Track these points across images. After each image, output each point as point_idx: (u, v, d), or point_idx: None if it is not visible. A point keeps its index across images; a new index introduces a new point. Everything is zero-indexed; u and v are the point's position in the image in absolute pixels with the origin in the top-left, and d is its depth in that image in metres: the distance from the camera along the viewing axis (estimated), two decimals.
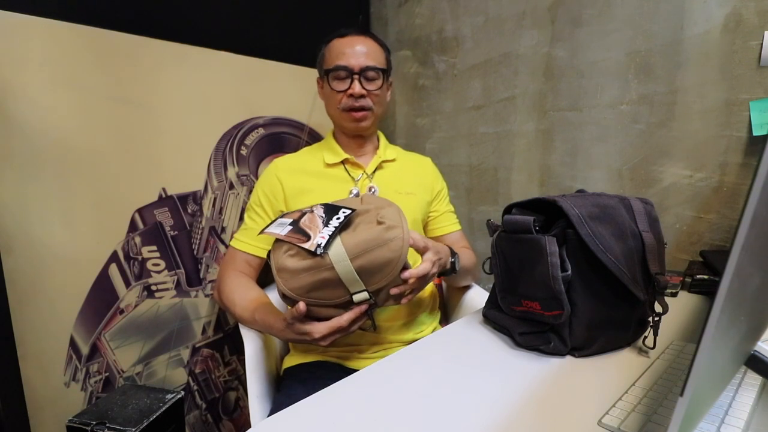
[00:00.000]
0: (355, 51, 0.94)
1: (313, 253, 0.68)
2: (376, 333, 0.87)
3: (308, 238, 0.70)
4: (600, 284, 0.60)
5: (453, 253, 0.90)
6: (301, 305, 0.71)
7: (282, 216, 0.80)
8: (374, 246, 0.70)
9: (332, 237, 0.69)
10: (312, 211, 0.76)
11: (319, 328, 0.73)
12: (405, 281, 0.74)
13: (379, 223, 0.72)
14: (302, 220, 0.75)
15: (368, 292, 0.72)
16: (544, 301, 0.61)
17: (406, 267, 0.74)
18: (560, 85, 1.15)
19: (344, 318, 0.73)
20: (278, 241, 0.75)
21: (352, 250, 0.69)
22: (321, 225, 0.72)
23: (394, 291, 0.74)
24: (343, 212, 0.73)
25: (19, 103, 0.81)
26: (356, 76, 0.93)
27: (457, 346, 0.68)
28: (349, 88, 0.93)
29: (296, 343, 0.87)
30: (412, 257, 0.79)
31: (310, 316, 0.75)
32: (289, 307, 0.77)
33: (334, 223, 0.71)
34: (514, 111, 1.24)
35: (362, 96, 0.94)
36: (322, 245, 0.68)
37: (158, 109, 0.98)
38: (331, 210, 0.75)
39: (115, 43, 0.90)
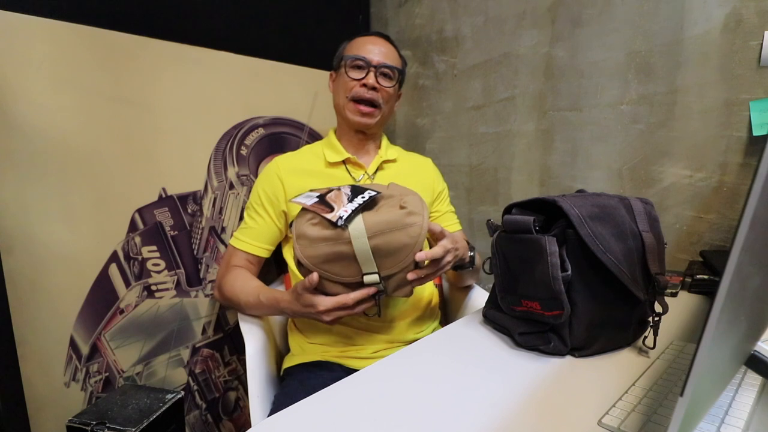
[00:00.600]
0: (376, 48, 0.98)
1: (334, 224, 0.71)
2: (381, 320, 0.88)
3: (332, 210, 0.73)
4: (600, 284, 0.60)
5: (471, 247, 0.91)
6: (315, 275, 0.73)
7: (310, 190, 0.82)
8: (393, 228, 0.72)
9: (355, 212, 0.72)
10: (339, 189, 0.78)
11: (325, 302, 0.75)
12: (418, 267, 0.76)
13: (402, 207, 0.74)
14: (329, 194, 0.77)
15: (379, 276, 0.73)
16: (544, 301, 0.61)
17: (418, 262, 0.75)
18: (560, 85, 1.14)
19: (351, 296, 0.74)
20: (303, 210, 0.77)
21: (372, 228, 0.71)
22: (346, 201, 0.74)
23: (411, 276, 0.75)
24: (369, 193, 0.76)
25: (19, 103, 0.81)
26: (373, 69, 0.95)
27: (457, 346, 0.68)
28: (364, 78, 0.95)
29: (301, 316, 0.86)
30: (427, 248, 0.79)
31: (319, 290, 0.76)
32: (298, 280, 0.78)
33: (359, 200, 0.74)
34: (514, 111, 1.24)
35: (374, 89, 0.96)
36: (344, 218, 0.70)
37: (158, 109, 0.98)
38: (357, 190, 0.78)
39: (115, 43, 0.90)
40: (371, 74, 0.95)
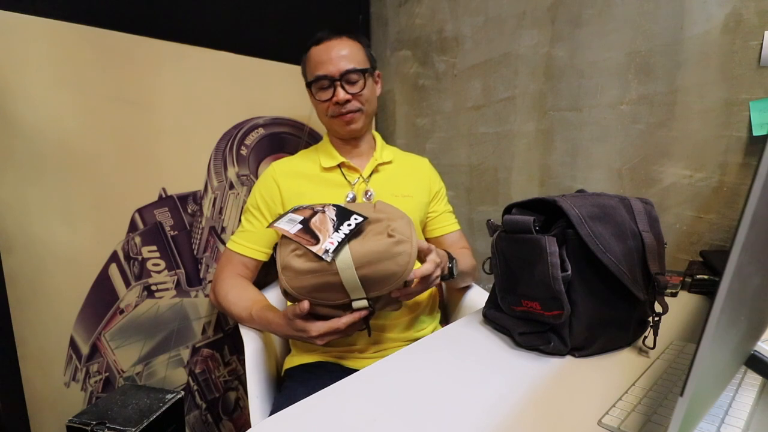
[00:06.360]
0: (332, 57, 0.92)
1: (320, 258, 0.68)
2: (369, 337, 0.88)
3: (317, 240, 0.70)
4: (600, 284, 0.60)
5: (451, 258, 0.90)
6: (305, 303, 0.72)
7: (293, 211, 0.78)
8: (382, 258, 0.70)
9: (341, 244, 0.69)
10: (324, 212, 0.75)
11: (317, 327, 0.74)
12: (406, 286, 0.75)
13: (390, 236, 0.72)
14: (313, 220, 0.74)
15: (367, 300, 0.73)
16: (544, 301, 0.61)
17: (407, 281, 0.75)
18: (560, 85, 1.14)
19: (342, 321, 0.74)
20: (285, 237, 0.74)
21: (359, 259, 0.69)
22: (331, 229, 0.71)
23: (395, 294, 0.74)
24: (355, 219, 0.73)
25: (19, 103, 0.81)
26: (338, 83, 0.92)
27: (457, 346, 0.68)
28: (333, 96, 0.92)
29: (293, 339, 0.87)
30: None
31: (309, 313, 0.75)
32: (288, 304, 0.78)
33: (345, 229, 0.71)
34: (514, 111, 1.24)
35: (347, 101, 0.93)
36: (331, 251, 0.68)
37: (158, 109, 0.98)
38: (343, 214, 0.74)
39: (115, 43, 0.90)
40: (338, 89, 0.91)
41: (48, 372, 0.88)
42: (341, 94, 0.92)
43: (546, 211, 0.65)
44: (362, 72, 0.94)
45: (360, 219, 0.73)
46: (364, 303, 0.72)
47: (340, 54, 0.92)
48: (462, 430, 0.47)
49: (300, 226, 0.73)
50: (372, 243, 0.71)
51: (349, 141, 1.01)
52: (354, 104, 0.94)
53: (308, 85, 0.97)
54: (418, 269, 0.75)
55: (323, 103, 0.94)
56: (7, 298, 0.81)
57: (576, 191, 0.73)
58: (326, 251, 0.68)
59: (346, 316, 0.74)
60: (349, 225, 0.71)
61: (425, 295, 0.97)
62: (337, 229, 0.71)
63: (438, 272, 0.80)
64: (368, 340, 0.89)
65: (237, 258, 0.95)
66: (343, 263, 0.68)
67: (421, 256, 0.80)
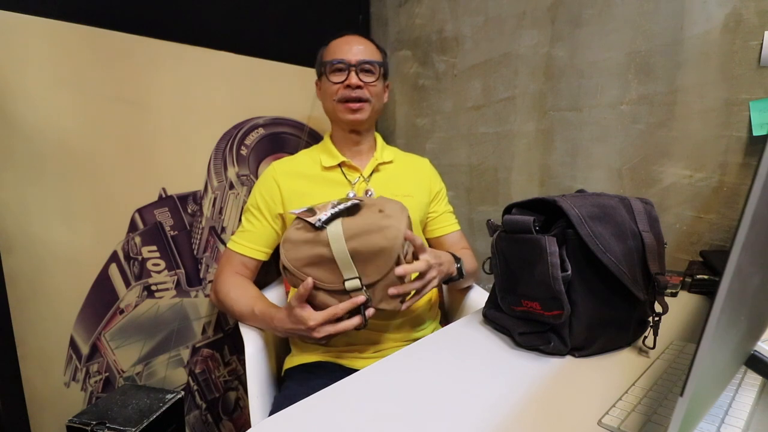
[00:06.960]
0: (352, 48, 0.97)
1: (313, 226, 0.75)
2: (367, 334, 0.88)
3: (314, 214, 0.77)
4: (600, 284, 0.60)
5: (457, 259, 0.90)
6: (309, 280, 0.75)
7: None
8: (370, 230, 0.74)
9: (334, 216, 0.76)
10: (330, 201, 0.83)
11: (315, 317, 0.76)
12: (401, 282, 0.76)
13: (380, 211, 0.77)
14: (319, 205, 0.82)
15: (360, 282, 0.75)
16: (544, 301, 0.61)
17: (400, 263, 0.76)
18: (560, 85, 1.14)
19: (341, 306, 0.75)
20: (294, 220, 0.82)
21: (348, 231, 0.74)
22: (329, 207, 0.79)
23: (392, 291, 0.75)
24: (352, 201, 0.80)
25: (19, 103, 0.81)
26: (353, 68, 0.95)
27: (457, 346, 0.68)
28: (346, 79, 0.95)
29: (293, 335, 0.87)
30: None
31: (308, 301, 0.78)
32: (291, 292, 0.79)
33: (341, 207, 0.78)
34: (514, 111, 1.24)
35: (359, 87, 0.95)
36: (322, 220, 0.75)
37: (158, 109, 0.98)
38: (342, 200, 0.82)
39: (115, 43, 0.90)
40: (352, 74, 0.95)
41: (48, 372, 0.88)
42: (354, 79, 0.95)
43: (546, 211, 0.65)
44: (378, 65, 0.98)
45: (357, 201, 0.80)
46: (356, 283, 0.75)
47: (360, 47, 0.97)
48: (462, 430, 0.47)
49: (306, 209, 0.82)
50: (362, 218, 0.76)
51: (350, 137, 1.01)
52: (364, 93, 0.96)
53: (323, 68, 0.99)
54: (409, 265, 0.77)
55: (334, 85, 0.96)
56: (7, 298, 0.81)
57: (576, 191, 0.73)
58: (319, 219, 0.75)
59: (344, 303, 0.75)
60: (346, 204, 0.79)
61: (425, 295, 0.97)
62: (334, 207, 0.79)
63: (434, 273, 0.80)
64: (368, 340, 0.89)
65: (237, 258, 0.96)
66: (334, 234, 0.74)
67: (415, 253, 0.81)
